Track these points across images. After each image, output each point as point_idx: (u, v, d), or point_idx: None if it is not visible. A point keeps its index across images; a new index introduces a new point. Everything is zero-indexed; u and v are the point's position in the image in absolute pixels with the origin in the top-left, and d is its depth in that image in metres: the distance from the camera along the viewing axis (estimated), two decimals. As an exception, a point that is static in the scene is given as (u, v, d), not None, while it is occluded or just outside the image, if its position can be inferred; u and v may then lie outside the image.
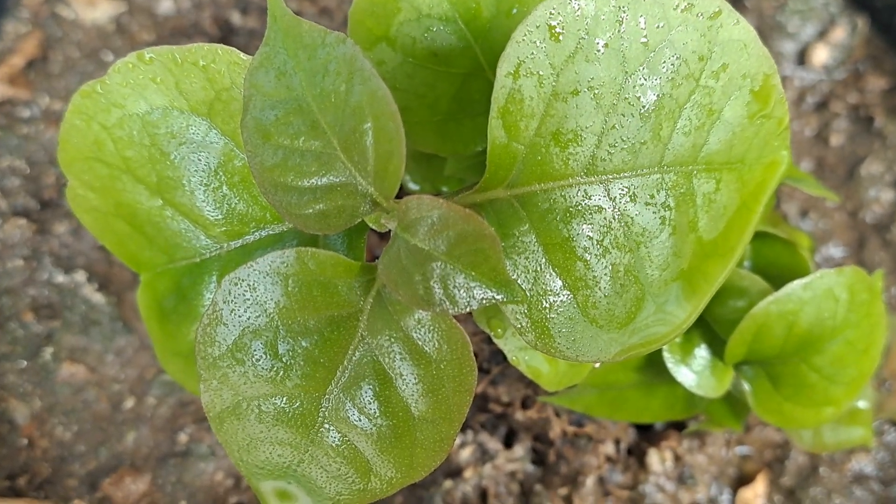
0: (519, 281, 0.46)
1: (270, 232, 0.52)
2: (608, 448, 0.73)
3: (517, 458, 0.72)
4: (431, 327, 0.46)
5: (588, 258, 0.47)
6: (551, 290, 0.46)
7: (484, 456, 0.72)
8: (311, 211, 0.45)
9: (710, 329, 0.62)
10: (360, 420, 0.47)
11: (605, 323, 0.47)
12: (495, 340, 0.56)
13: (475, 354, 0.69)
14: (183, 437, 0.73)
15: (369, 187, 0.44)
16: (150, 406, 0.73)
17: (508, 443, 0.73)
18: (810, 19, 0.94)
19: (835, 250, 0.86)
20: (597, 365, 0.59)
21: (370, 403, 0.47)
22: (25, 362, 0.73)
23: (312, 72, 0.44)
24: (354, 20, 0.54)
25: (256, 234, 0.52)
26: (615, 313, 0.47)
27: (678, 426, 0.76)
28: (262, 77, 0.45)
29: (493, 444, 0.72)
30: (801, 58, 0.93)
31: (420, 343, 0.46)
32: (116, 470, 0.71)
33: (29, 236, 0.75)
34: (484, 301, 0.43)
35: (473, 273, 0.42)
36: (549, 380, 0.58)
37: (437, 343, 0.46)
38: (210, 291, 0.53)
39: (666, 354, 0.60)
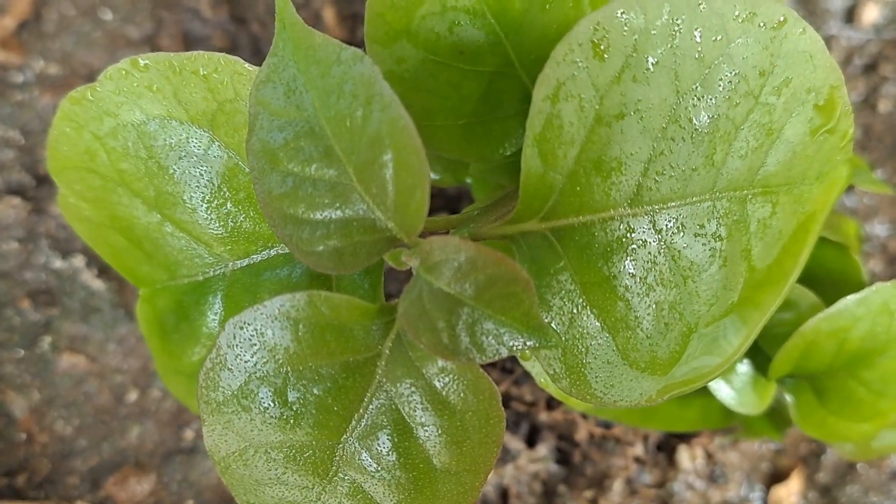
0: (553, 324, 0.42)
1: (279, 251, 0.48)
2: (637, 449, 0.69)
3: (540, 458, 0.68)
4: (456, 376, 0.42)
5: (630, 297, 0.42)
6: (588, 333, 0.42)
7: (506, 455, 0.68)
8: (323, 248, 0.40)
9: (754, 343, 0.58)
10: (377, 471, 0.43)
11: (647, 365, 0.43)
12: (522, 363, 0.52)
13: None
14: (189, 434, 0.69)
15: (389, 222, 0.40)
16: (155, 399, 0.69)
17: (531, 442, 0.69)
18: (860, -25, 0.87)
19: (880, 228, 0.81)
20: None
21: (388, 454, 0.43)
22: (23, 352, 0.69)
23: (326, 91, 0.39)
24: (372, 13, 0.48)
25: (264, 253, 0.48)
26: (658, 355, 0.43)
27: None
28: (270, 93, 0.40)
29: (516, 443, 0.68)
30: (850, 16, 0.87)
31: (443, 392, 0.42)
32: (120, 468, 0.68)
33: (24, 217, 0.71)
34: (515, 348, 0.38)
35: (504, 318, 0.38)
36: (578, 401, 0.54)
37: (462, 393, 0.42)
38: (214, 312, 0.49)
39: (705, 370, 0.56)
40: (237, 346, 0.41)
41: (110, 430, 0.69)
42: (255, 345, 0.41)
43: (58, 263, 0.70)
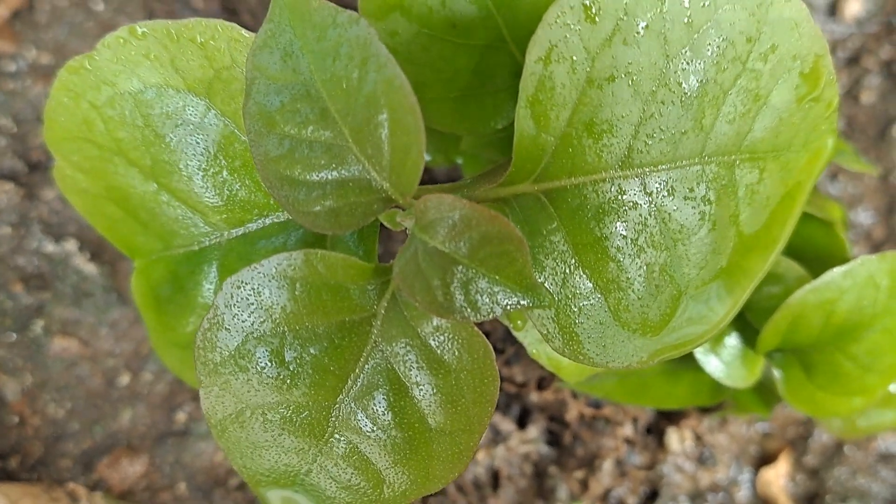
0: (546, 284, 0.43)
1: (275, 220, 0.48)
2: (626, 430, 0.70)
3: (531, 440, 0.69)
4: (451, 335, 0.42)
5: (621, 258, 0.43)
6: (581, 294, 0.43)
7: (496, 437, 0.69)
8: (319, 208, 0.41)
9: (742, 316, 0.59)
10: (372, 431, 0.43)
11: (639, 327, 0.44)
12: (514, 333, 0.52)
13: (488, 333, 0.66)
14: (181, 416, 0.69)
15: (384, 183, 0.40)
16: (147, 382, 0.70)
17: (522, 423, 0.70)
18: (842, -32, 0.88)
19: (864, 215, 0.82)
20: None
21: (384, 414, 0.43)
22: (15, 335, 0.69)
23: (322, 54, 0.40)
24: (367, -14, 0.49)
25: (259, 221, 0.48)
26: (649, 316, 0.44)
27: (701, 406, 0.72)
28: (267, 58, 0.41)
29: (506, 424, 0.69)
30: (833, 9, 0.88)
31: (438, 351, 0.42)
32: (112, 450, 0.68)
33: (17, 202, 0.71)
34: (509, 307, 0.39)
35: (497, 277, 0.39)
36: (569, 372, 0.55)
37: (456, 352, 0.42)
38: (209, 282, 0.49)
39: (694, 343, 0.56)
40: (234, 305, 0.42)
41: (102, 413, 0.69)
42: (252, 304, 0.42)
43: (50, 248, 0.71)
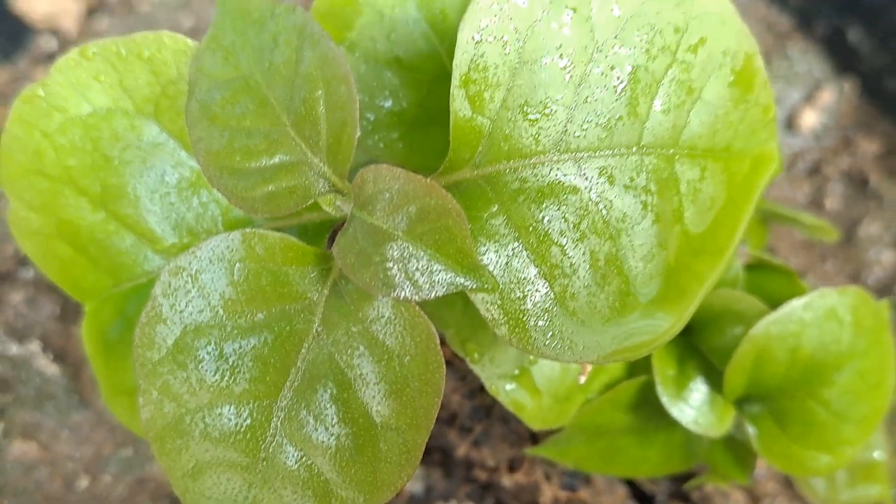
0: (490, 267, 0.42)
1: (222, 244, 0.48)
2: (605, 515, 0.67)
3: (507, 531, 0.66)
4: (393, 317, 0.41)
5: (564, 243, 0.42)
6: (525, 279, 0.42)
7: (471, 530, 0.66)
8: (258, 193, 0.41)
9: (707, 361, 0.57)
10: (316, 430, 0.42)
11: (586, 317, 0.43)
12: (471, 366, 0.51)
13: (454, 414, 0.65)
14: (140, 517, 0.67)
15: (322, 165, 0.41)
16: (106, 485, 0.67)
17: (496, 514, 0.67)
18: (795, 84, 0.92)
19: (837, 314, 0.81)
20: (582, 379, 0.54)
21: (327, 408, 0.41)
22: (-27, 439, 0.68)
23: (260, 47, 0.41)
24: (314, 24, 0.51)
25: (207, 246, 0.48)
26: (597, 307, 0.43)
27: (682, 496, 0.69)
28: (209, 59, 0.42)
29: (481, 517, 0.66)
30: (790, 123, 0.91)
31: (381, 336, 0.41)
32: (68, 554, 0.65)
33: (-19, 307, 0.71)
34: (451, 287, 0.39)
35: (437, 255, 0.38)
36: (532, 414, 0.53)
37: (399, 336, 0.41)
38: (157, 313, 0.49)
39: (660, 389, 0.55)
40: (172, 294, 0.41)
41: (59, 516, 0.66)
42: (190, 292, 0.41)
43: (14, 350, 0.70)
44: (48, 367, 0.70)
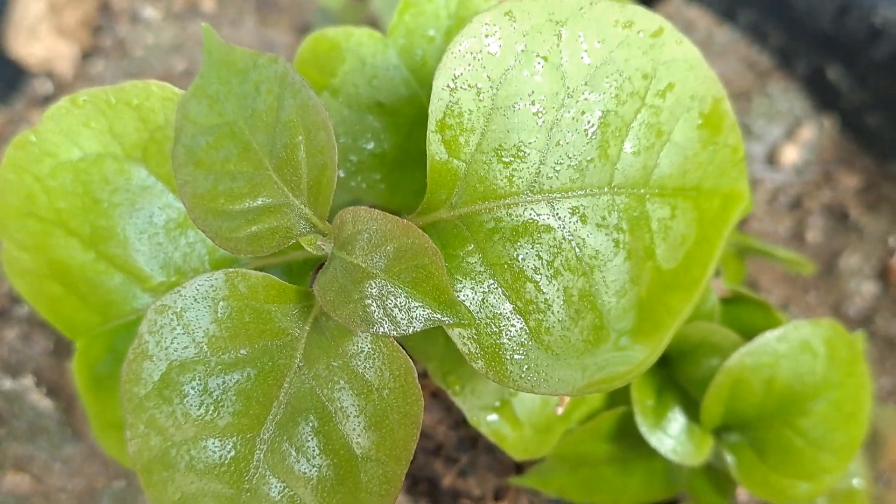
0: (466, 303, 0.44)
1: (209, 282, 0.50)
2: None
3: (492, 561, 0.67)
4: (372, 352, 0.43)
5: (539, 280, 0.44)
6: (500, 314, 0.44)
7: (458, 562, 0.66)
8: (242, 234, 0.43)
9: (685, 392, 0.59)
10: (298, 462, 0.43)
11: (561, 351, 0.44)
12: (453, 398, 0.52)
13: (440, 445, 0.66)
14: (132, 549, 0.68)
15: (303, 207, 0.43)
16: (98, 517, 0.68)
17: (482, 544, 0.68)
18: (776, 121, 0.94)
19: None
20: (560, 410, 0.55)
21: (309, 440, 0.43)
22: (-33, 474, 0.69)
23: (244, 95, 0.43)
24: (299, 69, 0.53)
25: (195, 285, 0.50)
26: (571, 340, 0.44)
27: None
28: (194, 107, 0.44)
29: (467, 548, 0.67)
30: (771, 158, 0.92)
31: (360, 370, 0.43)
32: (59, 587, 0.66)
33: (-23, 344, 0.73)
34: (428, 322, 0.40)
35: (415, 292, 0.40)
36: (513, 445, 0.54)
37: (378, 370, 0.42)
38: (146, 350, 0.50)
39: (639, 419, 0.56)
40: (158, 332, 0.42)
41: (51, 549, 0.67)
42: (176, 329, 0.42)
43: (7, 384, 0.71)
44: (41, 401, 0.71)
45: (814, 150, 0.93)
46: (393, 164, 0.53)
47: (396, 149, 0.53)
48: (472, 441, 0.66)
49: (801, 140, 0.93)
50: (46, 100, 0.89)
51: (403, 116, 0.53)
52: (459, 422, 0.66)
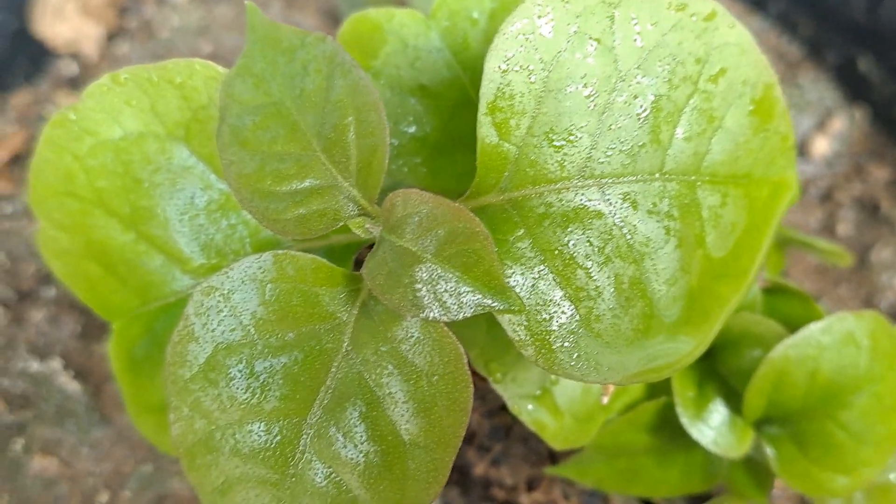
0: (516, 289, 0.43)
1: (250, 265, 0.49)
2: (622, 537, 0.67)
3: (525, 553, 0.66)
4: (421, 338, 0.42)
5: (589, 266, 0.43)
6: (551, 300, 0.43)
7: (489, 551, 0.66)
8: (289, 216, 0.42)
9: (726, 384, 0.58)
10: (345, 447, 0.42)
11: (611, 339, 0.44)
12: (494, 386, 0.52)
13: (473, 433, 0.65)
14: (160, 534, 0.67)
15: (352, 189, 0.42)
16: (126, 501, 0.68)
17: (515, 535, 0.67)
18: (806, 112, 0.93)
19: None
20: (605, 400, 0.54)
21: (356, 426, 0.42)
22: (-6, 456, 0.68)
23: (291, 75, 0.42)
24: (340, 52, 0.52)
25: (235, 267, 0.49)
26: (621, 328, 0.44)
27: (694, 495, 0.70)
28: (240, 86, 0.43)
29: (499, 538, 0.66)
30: (801, 149, 0.91)
31: (409, 356, 0.42)
32: (88, 573, 0.65)
33: (4, 324, 0.72)
34: (479, 308, 0.39)
35: (465, 276, 0.39)
36: (553, 434, 0.54)
37: (427, 355, 0.42)
38: (186, 333, 0.50)
39: (679, 410, 0.56)
40: (204, 314, 0.42)
41: (79, 533, 0.67)
42: (223, 311, 0.42)
43: (35, 367, 0.71)
44: (69, 384, 0.70)
45: (845, 142, 0.92)
46: (434, 147, 0.52)
47: (438, 132, 0.52)
48: (507, 430, 0.65)
49: (831, 131, 0.92)
50: (71, 81, 0.89)
51: (445, 99, 0.52)
52: (494, 410, 0.65)
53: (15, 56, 0.87)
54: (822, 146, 0.91)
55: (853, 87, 0.94)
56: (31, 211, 0.77)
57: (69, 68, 0.90)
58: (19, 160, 0.81)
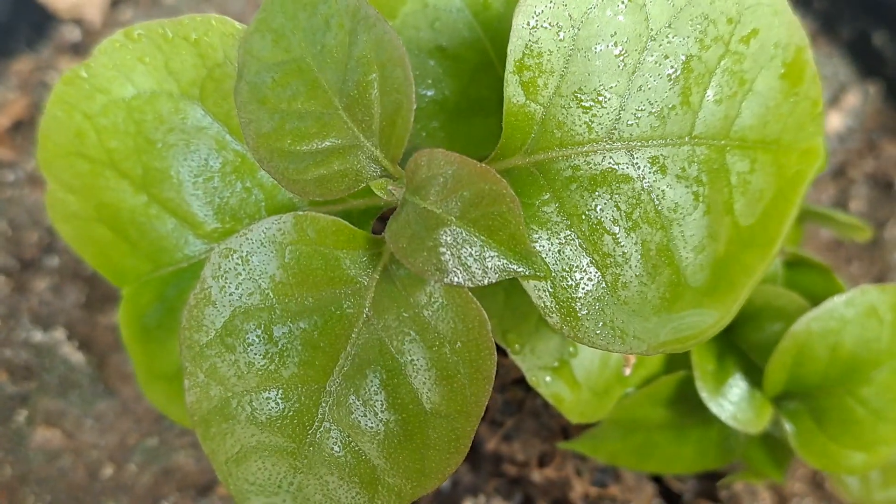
0: (542, 254, 0.42)
1: (265, 229, 0.48)
2: (634, 513, 0.66)
3: (535, 526, 0.65)
4: (444, 303, 0.41)
5: (616, 232, 0.42)
6: (577, 267, 0.42)
7: (499, 525, 0.65)
8: (309, 176, 0.41)
9: (746, 358, 0.57)
10: (365, 416, 0.41)
11: (637, 307, 0.42)
12: (512, 357, 0.51)
13: (485, 408, 0.64)
14: (165, 507, 0.66)
15: (374, 149, 0.40)
16: (131, 474, 0.67)
17: (525, 509, 0.66)
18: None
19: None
20: (627, 371, 0.53)
21: (376, 394, 0.41)
22: (-3, 427, 0.67)
23: (312, 30, 0.41)
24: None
25: (250, 232, 0.48)
26: (648, 297, 0.43)
27: (711, 496, 0.69)
28: (258, 42, 0.42)
29: (509, 511, 0.65)
30: (814, 126, 0.90)
31: (432, 321, 0.41)
32: (92, 545, 0.64)
33: (6, 294, 0.71)
34: (504, 273, 0.38)
35: (490, 241, 0.38)
36: (570, 407, 0.53)
37: (451, 321, 0.40)
38: (198, 299, 0.48)
39: (699, 384, 0.54)
40: (222, 276, 0.40)
41: (83, 505, 0.65)
42: (241, 274, 0.40)
43: (38, 337, 0.69)
44: (73, 354, 0.69)
45: (858, 118, 0.90)
46: (453, 111, 0.51)
47: (457, 95, 0.51)
48: (519, 405, 0.64)
49: (845, 107, 0.91)
50: (74, 47, 0.87)
51: (465, 62, 0.50)
52: (506, 385, 0.64)
53: (17, 21, 0.86)
54: (835, 122, 0.90)
55: (867, 63, 0.93)
56: (33, 178, 0.76)
57: (72, 34, 0.88)
58: (21, 127, 0.80)
